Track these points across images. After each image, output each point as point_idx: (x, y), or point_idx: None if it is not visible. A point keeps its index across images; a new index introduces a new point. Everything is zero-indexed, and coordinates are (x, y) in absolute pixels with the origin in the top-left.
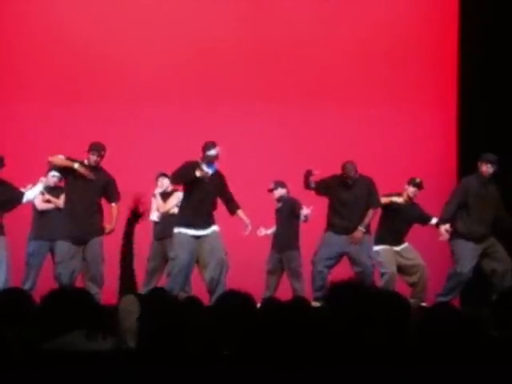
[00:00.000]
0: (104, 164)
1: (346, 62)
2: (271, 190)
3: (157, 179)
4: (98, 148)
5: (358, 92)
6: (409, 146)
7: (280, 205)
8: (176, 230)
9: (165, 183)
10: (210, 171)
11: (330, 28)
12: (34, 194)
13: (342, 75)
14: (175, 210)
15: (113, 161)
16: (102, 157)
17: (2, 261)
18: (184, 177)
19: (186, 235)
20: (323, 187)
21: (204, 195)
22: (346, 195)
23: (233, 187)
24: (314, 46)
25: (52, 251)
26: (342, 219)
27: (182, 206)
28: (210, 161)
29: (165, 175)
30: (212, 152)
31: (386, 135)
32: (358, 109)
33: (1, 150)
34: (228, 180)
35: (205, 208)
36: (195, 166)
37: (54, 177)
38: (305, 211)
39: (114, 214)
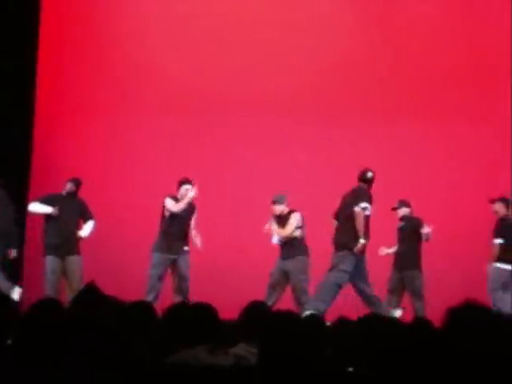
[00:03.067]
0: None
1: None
2: (395, 209)
3: None
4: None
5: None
6: None
7: (402, 223)
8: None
9: None
10: None
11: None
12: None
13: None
14: (297, 233)
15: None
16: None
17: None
18: None
19: None
20: None
21: None
22: None
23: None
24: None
25: (173, 264)
26: None
27: None
28: None
29: None
30: None
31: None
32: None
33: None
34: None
35: None
36: None
37: None
38: (426, 230)
39: None
